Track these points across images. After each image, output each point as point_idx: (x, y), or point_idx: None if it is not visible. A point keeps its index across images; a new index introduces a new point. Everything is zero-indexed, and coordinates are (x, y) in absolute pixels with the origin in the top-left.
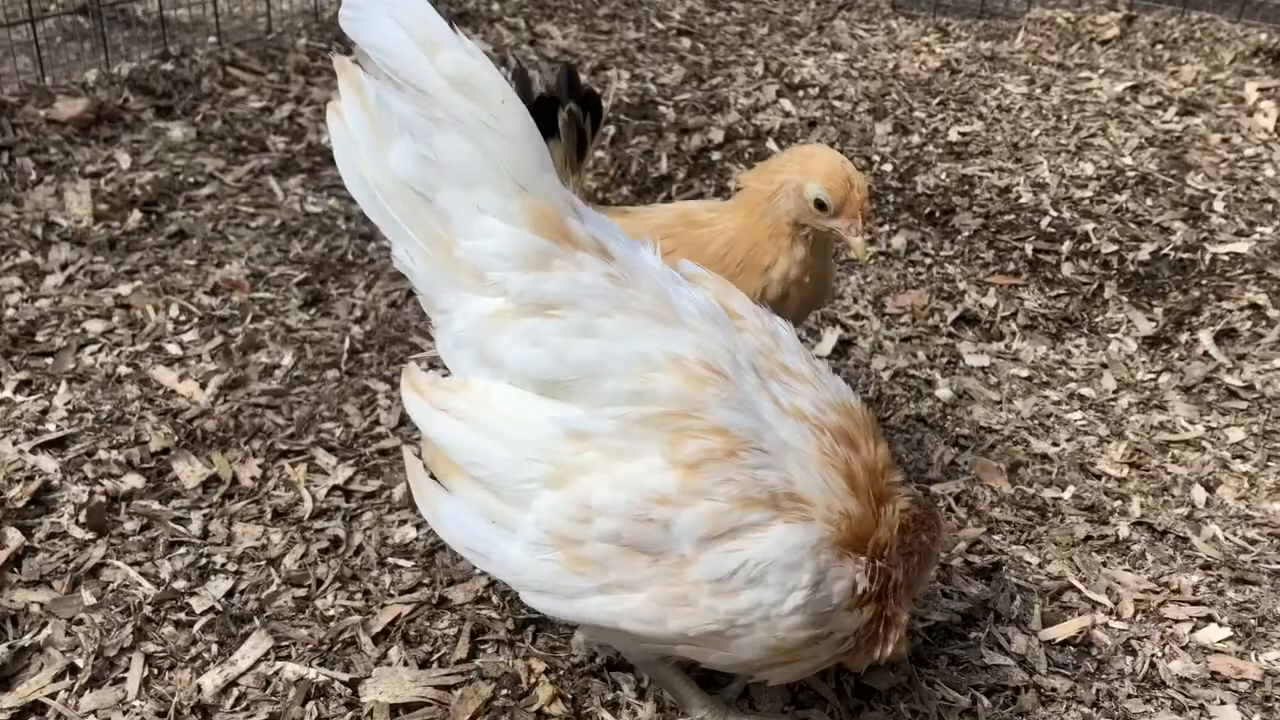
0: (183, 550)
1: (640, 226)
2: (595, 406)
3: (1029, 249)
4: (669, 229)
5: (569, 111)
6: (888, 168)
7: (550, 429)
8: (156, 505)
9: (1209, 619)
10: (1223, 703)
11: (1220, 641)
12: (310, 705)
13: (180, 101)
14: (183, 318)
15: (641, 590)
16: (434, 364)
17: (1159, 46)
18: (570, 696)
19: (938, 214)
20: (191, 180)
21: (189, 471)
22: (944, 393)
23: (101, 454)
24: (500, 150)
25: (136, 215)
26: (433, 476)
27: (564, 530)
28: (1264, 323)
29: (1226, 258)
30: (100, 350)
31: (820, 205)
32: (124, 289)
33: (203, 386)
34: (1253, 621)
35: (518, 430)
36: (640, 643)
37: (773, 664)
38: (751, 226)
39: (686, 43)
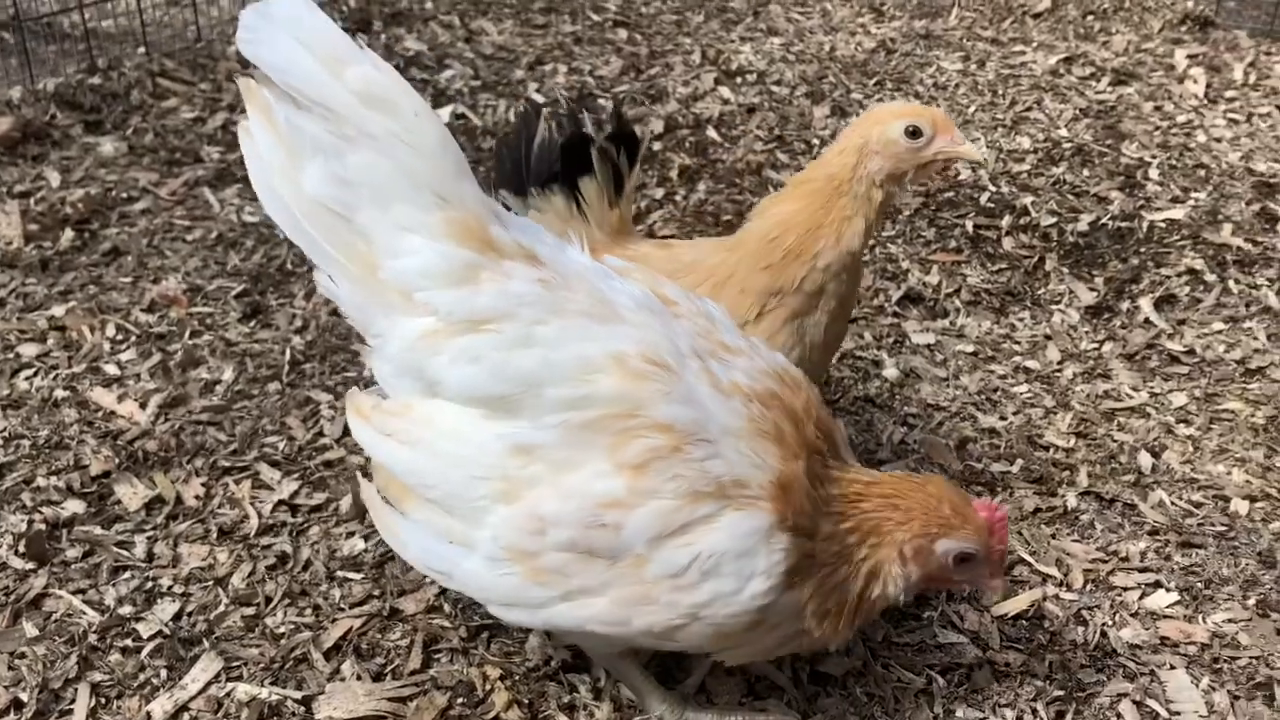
0: (127, 575)
1: (674, 263)
2: (538, 417)
3: (969, 225)
4: (704, 257)
5: (599, 149)
6: None
7: (495, 445)
8: (99, 530)
9: (1157, 584)
10: (1172, 667)
11: (1168, 606)
12: None
13: (110, 115)
14: (120, 337)
15: (603, 594)
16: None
17: (1090, 17)
18: (527, 701)
19: None
20: (125, 195)
21: (131, 494)
22: (891, 372)
23: (40, 480)
24: (416, 164)
25: (69, 234)
26: (387, 500)
27: (520, 544)
28: (1202, 287)
29: (1163, 224)
30: (35, 374)
31: (915, 133)
32: (58, 310)
33: (143, 406)
34: (1199, 585)
35: (464, 449)
36: (612, 642)
37: (733, 646)
38: (812, 211)
39: (623, 34)
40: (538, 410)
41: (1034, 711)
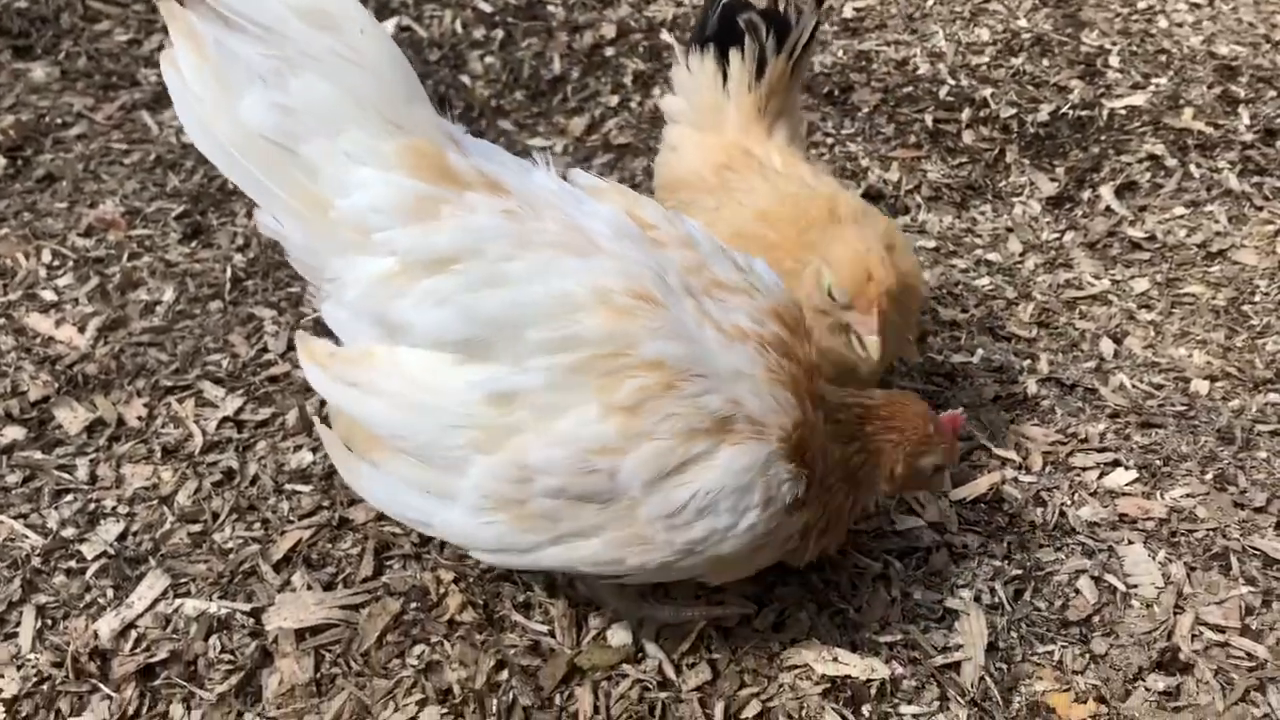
0: (70, 498)
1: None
2: (519, 360)
3: (929, 120)
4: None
5: (746, 20)
6: None
7: (470, 393)
8: (39, 455)
9: (1116, 464)
10: (1130, 542)
11: (1127, 484)
12: (213, 639)
13: (40, 40)
14: (56, 263)
15: (596, 536)
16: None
17: None
18: (481, 602)
19: (836, 93)
20: (59, 121)
21: (71, 418)
22: None
23: None
24: (365, 86)
25: (0, 161)
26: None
27: (505, 492)
28: (1162, 173)
29: (1124, 112)
30: None
31: (832, 295)
32: None
33: (81, 330)
34: (1158, 462)
35: (437, 398)
36: (602, 580)
37: (724, 570)
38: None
39: None
40: (518, 354)
41: (992, 591)
